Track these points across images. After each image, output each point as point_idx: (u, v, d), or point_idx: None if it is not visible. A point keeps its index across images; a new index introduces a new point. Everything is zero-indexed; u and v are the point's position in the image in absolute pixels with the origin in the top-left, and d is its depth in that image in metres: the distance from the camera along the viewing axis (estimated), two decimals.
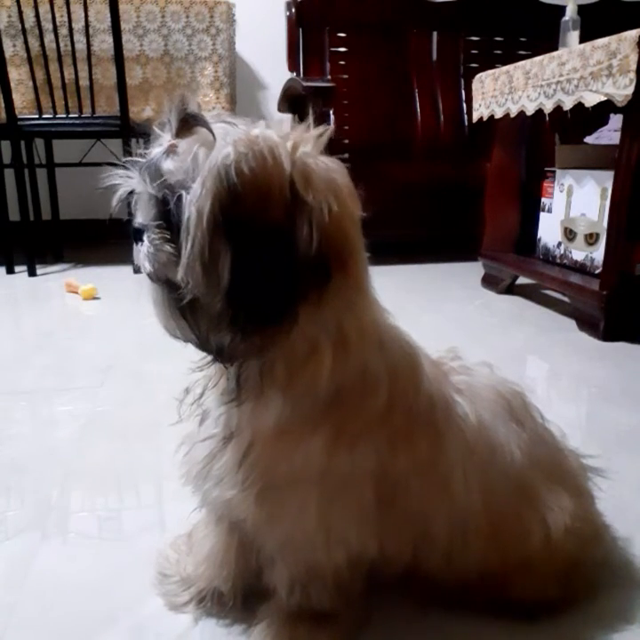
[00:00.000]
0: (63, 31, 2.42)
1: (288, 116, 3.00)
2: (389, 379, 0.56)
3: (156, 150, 0.51)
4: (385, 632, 0.67)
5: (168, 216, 0.49)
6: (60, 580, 0.75)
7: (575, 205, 2.01)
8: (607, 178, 1.77)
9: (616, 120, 2.24)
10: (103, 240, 2.80)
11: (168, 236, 0.50)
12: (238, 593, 0.69)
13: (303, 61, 3.08)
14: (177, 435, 0.61)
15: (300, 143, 0.50)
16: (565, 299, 1.93)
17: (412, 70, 3.13)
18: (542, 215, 2.20)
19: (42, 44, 2.41)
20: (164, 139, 0.51)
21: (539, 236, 2.23)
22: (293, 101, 2.90)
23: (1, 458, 1.06)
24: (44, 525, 0.86)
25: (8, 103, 2.41)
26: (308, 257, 0.47)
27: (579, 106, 1.67)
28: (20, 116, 2.50)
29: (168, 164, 0.49)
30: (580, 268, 1.98)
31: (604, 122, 2.42)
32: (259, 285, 0.48)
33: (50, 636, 0.67)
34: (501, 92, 2.08)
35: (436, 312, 2.05)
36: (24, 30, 2.40)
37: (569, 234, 2.04)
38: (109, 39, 2.45)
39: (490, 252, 2.34)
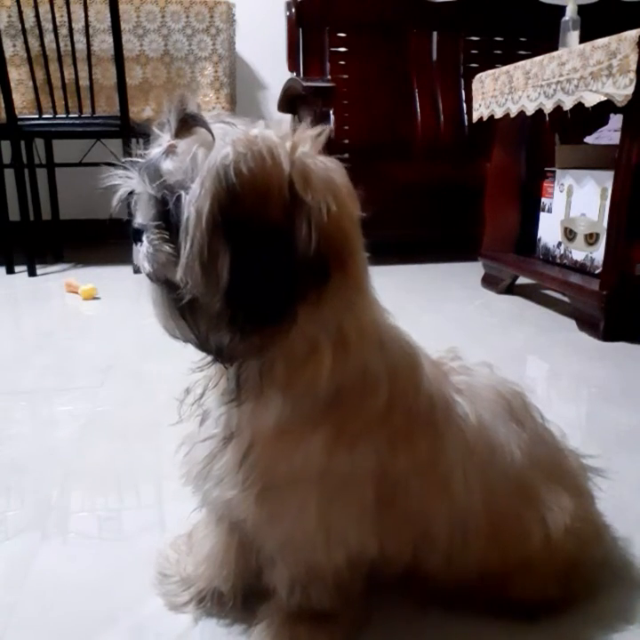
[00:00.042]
0: (63, 31, 2.42)
1: (288, 116, 3.00)
2: (389, 379, 0.56)
3: (155, 150, 0.51)
4: (385, 632, 0.67)
5: (167, 216, 0.49)
6: (59, 580, 0.75)
7: (575, 205, 2.01)
8: (607, 178, 1.77)
9: (616, 120, 2.24)
10: (103, 240, 2.80)
11: (167, 237, 0.50)
12: (238, 593, 0.69)
13: (303, 61, 3.08)
14: (177, 435, 0.61)
15: (299, 143, 0.50)
16: (565, 299, 1.93)
17: (412, 70, 3.13)
18: (542, 215, 2.20)
19: (42, 44, 2.41)
20: (164, 139, 0.51)
21: (539, 236, 2.23)
22: (293, 101, 2.90)
23: (1, 458, 1.06)
24: (44, 525, 0.86)
25: (8, 103, 2.41)
26: (306, 257, 0.47)
27: (579, 106, 1.67)
28: (20, 116, 2.50)
29: (167, 165, 0.49)
30: (580, 268, 1.98)
31: (604, 122, 2.42)
32: (258, 285, 0.48)
33: (50, 636, 0.67)
34: (501, 92, 2.08)
35: (436, 312, 2.05)
36: (24, 30, 2.40)
37: (569, 234, 2.04)
38: (109, 39, 2.45)
39: (490, 252, 2.34)
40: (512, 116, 2.03)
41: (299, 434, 0.54)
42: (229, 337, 0.49)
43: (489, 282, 2.35)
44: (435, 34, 3.16)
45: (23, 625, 0.68)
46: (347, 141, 2.93)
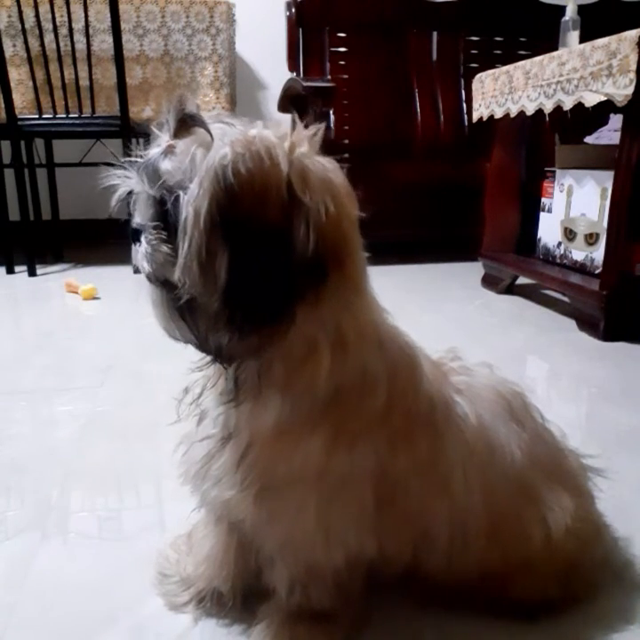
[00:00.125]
0: (63, 31, 2.42)
1: (288, 117, 2.99)
2: (388, 379, 0.56)
3: (154, 151, 0.51)
4: (385, 632, 0.67)
5: (166, 216, 0.49)
6: (59, 580, 0.75)
7: (575, 205, 2.01)
8: (607, 178, 1.77)
9: (616, 120, 2.24)
10: (103, 240, 2.80)
11: (165, 237, 0.50)
12: (238, 593, 0.69)
13: (303, 61, 3.08)
14: (176, 434, 0.61)
15: (298, 144, 0.50)
16: (565, 299, 1.93)
17: (412, 70, 3.13)
18: (542, 215, 2.20)
19: (42, 44, 2.41)
20: (162, 139, 0.51)
21: (539, 236, 2.22)
22: (293, 101, 2.90)
23: (1, 458, 1.06)
24: (44, 525, 0.86)
25: (8, 103, 2.41)
26: (305, 257, 0.47)
27: (579, 106, 1.67)
28: (20, 116, 2.50)
29: (166, 165, 0.49)
30: (580, 268, 1.97)
31: (604, 122, 2.41)
32: (255, 285, 0.48)
33: (50, 636, 0.67)
34: (501, 92, 2.08)
35: (436, 312, 2.05)
36: (24, 30, 2.40)
37: (569, 234, 2.04)
38: (109, 39, 2.45)
39: (490, 252, 2.34)
40: (512, 115, 2.03)
41: (297, 434, 0.54)
42: (228, 337, 0.49)
43: (489, 282, 2.35)
44: (435, 34, 3.16)
45: (23, 625, 0.68)
46: (347, 141, 2.93)
